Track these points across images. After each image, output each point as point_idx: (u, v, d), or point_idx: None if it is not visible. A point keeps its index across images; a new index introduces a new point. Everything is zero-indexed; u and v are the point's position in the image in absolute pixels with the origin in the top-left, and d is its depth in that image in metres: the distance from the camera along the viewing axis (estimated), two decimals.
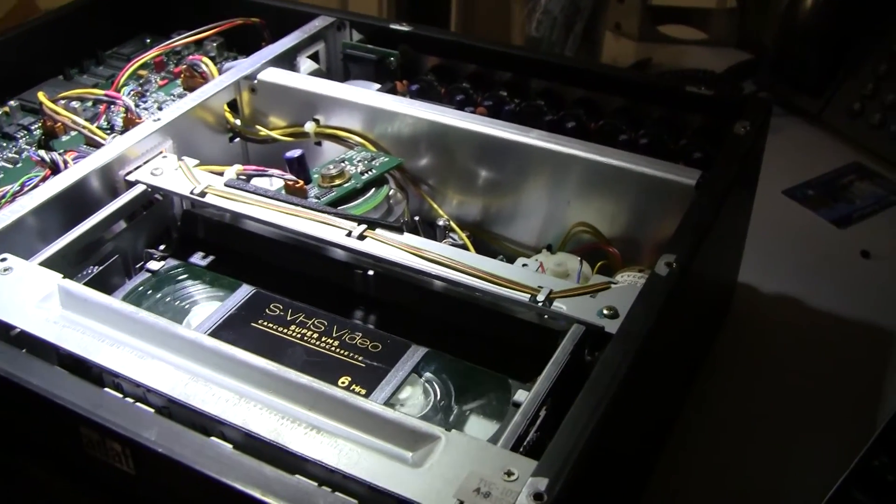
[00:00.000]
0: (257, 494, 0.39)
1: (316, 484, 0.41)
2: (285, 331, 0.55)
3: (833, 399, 0.68)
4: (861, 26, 0.96)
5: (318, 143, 0.71)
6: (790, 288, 0.78)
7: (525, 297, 0.52)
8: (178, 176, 0.62)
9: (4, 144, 0.73)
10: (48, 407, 0.44)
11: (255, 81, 0.72)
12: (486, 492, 0.39)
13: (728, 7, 1.18)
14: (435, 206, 0.68)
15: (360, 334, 0.55)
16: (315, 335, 0.55)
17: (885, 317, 0.75)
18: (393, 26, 0.78)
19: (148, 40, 0.88)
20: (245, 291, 0.59)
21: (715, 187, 0.58)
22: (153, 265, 0.61)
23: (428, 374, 0.53)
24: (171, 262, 0.62)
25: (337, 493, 0.40)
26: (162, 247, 0.63)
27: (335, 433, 0.43)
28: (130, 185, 0.62)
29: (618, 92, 0.71)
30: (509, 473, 0.40)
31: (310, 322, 0.56)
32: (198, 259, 0.63)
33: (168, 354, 0.49)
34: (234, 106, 0.72)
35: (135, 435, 0.41)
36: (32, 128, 0.75)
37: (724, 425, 0.66)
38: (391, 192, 0.65)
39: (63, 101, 0.71)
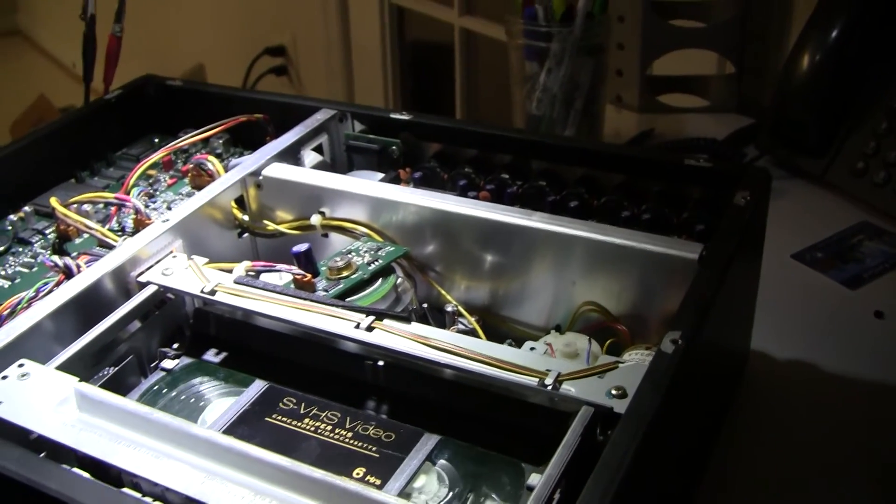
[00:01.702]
0: None
1: None
2: (299, 424, 0.56)
3: (856, 460, 0.68)
4: (858, 84, 0.97)
5: (325, 235, 0.72)
6: (804, 352, 0.78)
7: (533, 381, 0.53)
8: (189, 275, 0.63)
9: (20, 249, 0.75)
10: None
11: (261, 177, 0.73)
12: None
13: (727, 73, 1.20)
14: (443, 292, 0.69)
15: (374, 424, 0.56)
16: (329, 427, 0.56)
17: None
18: (393, 115, 0.80)
19: (156, 140, 0.90)
20: (258, 387, 0.59)
21: (717, 260, 0.59)
22: (167, 364, 0.62)
23: (442, 462, 0.53)
24: (185, 360, 0.63)
25: None
26: (175, 345, 0.64)
27: None
28: (142, 285, 0.63)
29: (617, 168, 0.72)
30: None
31: (323, 414, 0.56)
32: (211, 356, 0.63)
33: (184, 453, 0.50)
34: (241, 202, 0.73)
35: None
36: (47, 232, 0.76)
37: (746, 494, 0.66)
38: (398, 282, 0.66)
39: (75, 206, 0.73)
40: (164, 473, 0.48)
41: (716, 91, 1.19)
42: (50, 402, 0.52)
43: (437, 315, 0.68)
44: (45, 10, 3.91)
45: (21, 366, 0.55)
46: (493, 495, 0.52)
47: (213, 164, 0.75)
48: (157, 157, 0.79)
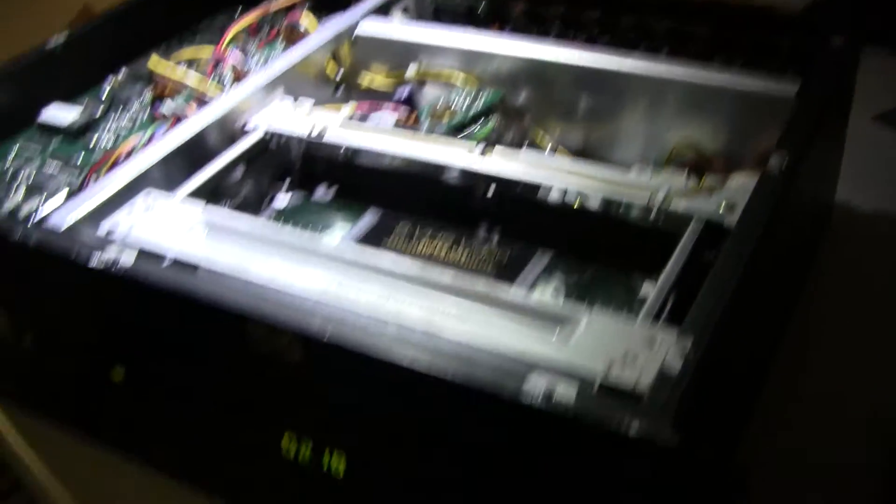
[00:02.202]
0: (427, 369, 0.41)
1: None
2: (415, 247, 0.58)
3: None
4: None
5: (422, 84, 0.74)
6: (886, 204, 0.79)
7: (644, 198, 0.55)
8: (297, 117, 0.65)
9: (121, 108, 0.77)
10: (214, 311, 0.47)
11: (355, 33, 0.75)
12: (632, 357, 0.42)
13: None
14: (540, 133, 0.70)
15: (487, 246, 0.58)
16: (444, 249, 0.58)
17: None
18: None
19: (240, 8, 0.91)
20: (371, 215, 0.62)
21: (815, 94, 0.60)
22: (279, 203, 0.65)
23: (555, 277, 0.56)
24: (296, 198, 0.65)
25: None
26: (286, 184, 0.66)
27: (484, 320, 0.46)
28: (249, 131, 0.65)
29: (706, 21, 0.73)
30: (652, 340, 0.43)
31: (437, 237, 0.59)
32: (321, 193, 0.66)
33: (316, 262, 0.51)
34: (335, 59, 0.75)
35: (302, 323, 0.44)
36: (144, 97, 0.78)
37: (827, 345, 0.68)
38: (498, 123, 0.68)
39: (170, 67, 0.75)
40: (298, 278, 0.49)
41: None
42: (178, 227, 0.55)
43: None
44: None
45: (148, 195, 0.57)
46: (608, 308, 0.53)
47: (308, 20, 0.77)
48: (247, 20, 0.81)
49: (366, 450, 0.48)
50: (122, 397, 0.56)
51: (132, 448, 0.60)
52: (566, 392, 0.39)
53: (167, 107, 0.68)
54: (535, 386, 0.39)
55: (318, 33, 0.75)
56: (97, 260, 0.49)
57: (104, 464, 0.61)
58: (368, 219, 0.62)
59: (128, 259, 0.49)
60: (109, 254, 0.49)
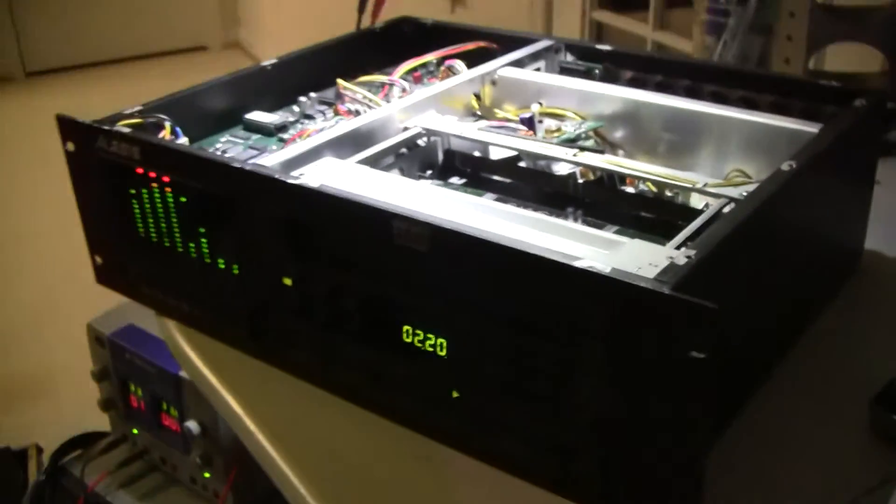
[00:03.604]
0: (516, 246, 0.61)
1: None
2: None
3: None
4: None
5: (541, 121, 0.95)
6: None
7: (689, 185, 0.75)
8: (446, 122, 0.87)
9: (306, 121, 0.99)
10: (370, 209, 0.67)
11: (497, 76, 0.97)
12: (656, 263, 0.61)
13: (881, 70, 1.38)
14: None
15: (571, 219, 0.78)
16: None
17: None
18: (597, 46, 1.03)
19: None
20: (489, 197, 0.83)
21: (827, 134, 0.79)
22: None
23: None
24: (436, 182, 0.87)
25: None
26: (429, 172, 0.88)
27: (562, 242, 0.66)
28: (408, 128, 0.88)
29: (768, 90, 0.92)
30: (670, 256, 0.62)
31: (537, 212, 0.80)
32: (454, 180, 0.87)
33: (447, 200, 0.73)
34: (477, 98, 0.97)
35: (431, 219, 0.65)
36: (327, 114, 1.01)
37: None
38: (594, 143, 0.88)
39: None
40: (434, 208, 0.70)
41: (871, 83, 1.38)
42: (346, 178, 0.76)
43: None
44: (264, 25, 4.30)
45: (325, 160, 0.79)
46: None
47: (461, 64, 0.99)
48: (412, 64, 1.03)
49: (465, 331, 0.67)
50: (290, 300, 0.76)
51: (290, 350, 0.80)
52: (602, 268, 0.58)
53: (348, 105, 0.90)
54: (582, 263, 0.59)
55: (467, 73, 0.98)
56: (292, 180, 0.71)
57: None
58: (486, 198, 0.83)
59: (313, 183, 0.71)
60: (301, 179, 0.71)
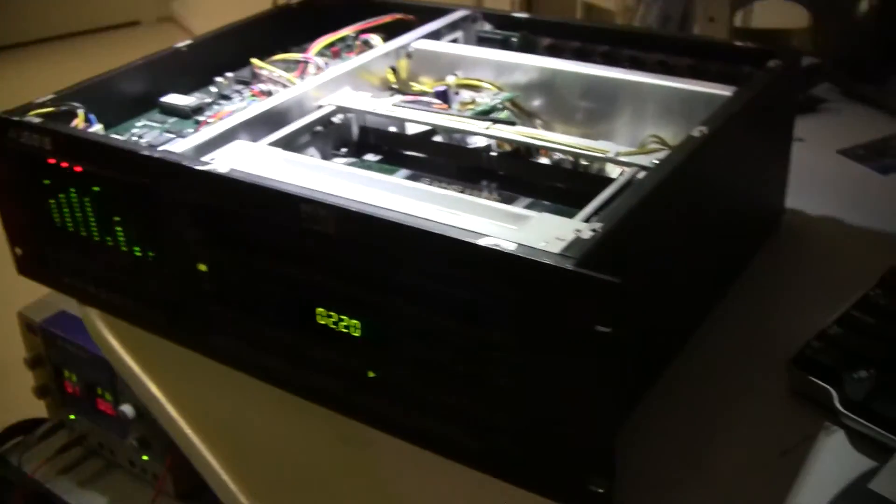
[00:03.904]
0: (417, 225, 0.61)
1: None
2: None
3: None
4: None
5: (457, 93, 0.94)
6: (834, 212, 0.97)
7: (599, 154, 0.75)
8: (359, 99, 0.87)
9: (224, 102, 0.98)
10: (279, 194, 0.66)
11: (412, 49, 0.96)
12: (562, 238, 0.61)
13: (804, 26, 1.39)
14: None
15: (485, 193, 0.78)
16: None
17: None
18: (514, 14, 1.02)
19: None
20: (402, 174, 0.82)
21: (740, 97, 0.79)
22: (338, 162, 0.85)
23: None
24: (351, 160, 0.86)
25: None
26: (344, 150, 0.87)
27: (469, 218, 0.65)
28: (322, 106, 0.87)
29: (685, 53, 0.92)
30: (578, 230, 0.62)
31: (449, 187, 0.79)
32: (369, 157, 0.86)
33: (351, 179, 0.72)
34: (394, 71, 0.96)
35: (338, 202, 0.64)
36: (244, 94, 0.99)
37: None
38: (508, 115, 0.88)
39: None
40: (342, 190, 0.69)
41: (795, 39, 1.38)
42: (257, 160, 0.75)
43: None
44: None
45: (235, 143, 0.78)
46: None
47: (377, 39, 0.99)
48: (328, 39, 1.02)
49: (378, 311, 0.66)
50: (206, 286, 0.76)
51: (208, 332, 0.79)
52: (506, 245, 0.58)
53: (262, 86, 0.89)
54: (487, 241, 0.58)
55: (383, 47, 0.97)
56: (200, 166, 0.70)
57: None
58: (401, 174, 0.82)
59: (222, 168, 0.70)
60: (209, 165, 0.70)
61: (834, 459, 0.68)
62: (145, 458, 1.30)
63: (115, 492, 1.35)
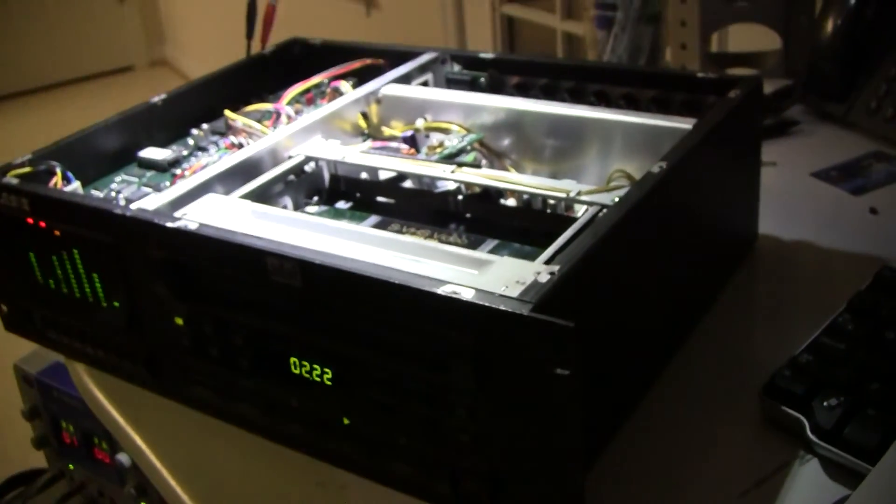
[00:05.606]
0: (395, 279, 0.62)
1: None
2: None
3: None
4: (872, 41, 1.18)
5: (427, 136, 0.96)
6: (808, 235, 0.98)
7: (562, 194, 0.76)
8: (329, 148, 0.88)
9: (200, 154, 0.99)
10: (245, 249, 0.68)
11: (381, 94, 0.98)
12: (522, 281, 0.62)
13: (777, 49, 1.41)
14: (511, 169, 0.92)
15: (454, 236, 0.79)
16: (422, 238, 0.79)
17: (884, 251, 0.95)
18: (481, 55, 1.04)
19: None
20: (373, 220, 0.84)
21: (700, 129, 0.80)
22: (310, 210, 0.87)
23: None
24: (324, 208, 0.87)
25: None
26: (316, 198, 0.89)
27: (433, 265, 0.66)
28: (292, 156, 0.88)
29: (651, 85, 0.94)
30: (538, 272, 0.63)
31: (418, 231, 0.80)
32: (341, 205, 0.88)
33: (321, 230, 0.73)
34: (364, 117, 0.98)
35: (304, 255, 0.65)
36: (220, 144, 1.01)
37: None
38: (476, 158, 0.89)
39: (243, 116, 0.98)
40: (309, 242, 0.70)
41: (768, 62, 1.40)
42: (228, 214, 0.76)
43: None
44: (189, 42, 4.27)
45: (208, 196, 0.79)
46: None
47: (347, 85, 1.00)
48: (302, 87, 1.04)
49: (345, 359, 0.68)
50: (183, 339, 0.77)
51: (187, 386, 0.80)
52: (464, 293, 0.59)
53: (234, 138, 0.91)
54: (445, 289, 0.60)
55: (353, 93, 0.98)
56: (171, 223, 0.72)
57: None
58: (370, 221, 0.84)
59: (192, 225, 0.71)
60: (180, 222, 0.72)
61: (808, 489, 0.69)
62: None
63: None
